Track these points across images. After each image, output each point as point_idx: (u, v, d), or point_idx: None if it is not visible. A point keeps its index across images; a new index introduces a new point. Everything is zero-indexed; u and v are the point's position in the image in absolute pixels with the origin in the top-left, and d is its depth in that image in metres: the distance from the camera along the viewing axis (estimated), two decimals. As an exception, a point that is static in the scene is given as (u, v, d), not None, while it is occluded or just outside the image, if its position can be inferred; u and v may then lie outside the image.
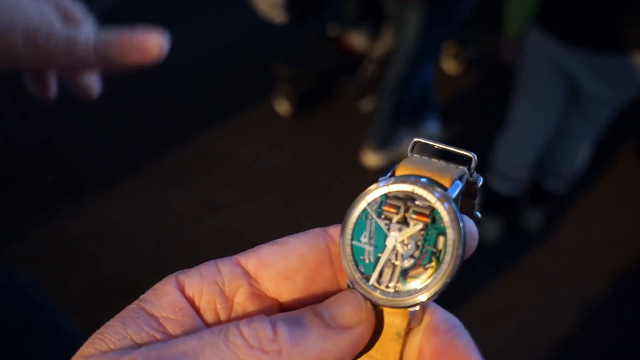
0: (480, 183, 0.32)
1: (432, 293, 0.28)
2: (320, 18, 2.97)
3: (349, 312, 0.27)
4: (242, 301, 0.29)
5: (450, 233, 0.28)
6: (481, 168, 0.31)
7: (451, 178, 0.29)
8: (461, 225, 0.28)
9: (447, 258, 0.28)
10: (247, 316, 0.28)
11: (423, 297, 0.28)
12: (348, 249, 0.29)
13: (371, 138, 2.66)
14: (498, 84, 3.09)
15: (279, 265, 0.29)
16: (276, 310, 0.30)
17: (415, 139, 0.32)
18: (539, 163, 2.28)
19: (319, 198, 2.56)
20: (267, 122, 2.96)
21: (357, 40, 2.95)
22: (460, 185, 0.29)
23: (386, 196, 0.29)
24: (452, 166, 0.30)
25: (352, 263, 0.29)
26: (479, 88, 3.20)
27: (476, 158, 0.30)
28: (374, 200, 0.30)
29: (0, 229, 2.42)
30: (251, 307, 0.29)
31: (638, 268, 2.35)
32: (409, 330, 0.29)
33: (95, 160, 2.75)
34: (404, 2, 2.24)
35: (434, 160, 0.30)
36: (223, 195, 2.59)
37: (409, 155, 0.31)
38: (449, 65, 3.25)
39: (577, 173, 2.29)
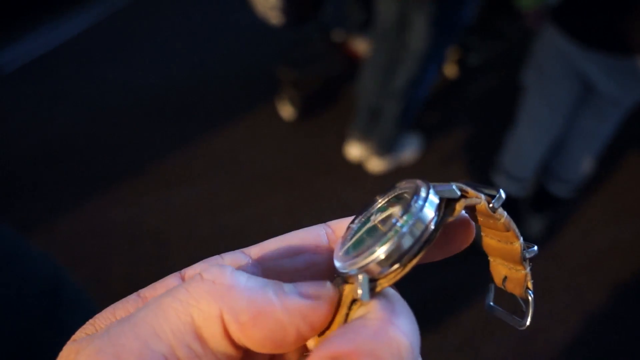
0: (532, 254, 0.31)
1: (364, 264, 0.26)
2: (324, 22, 2.97)
3: (311, 286, 0.27)
4: None
5: (404, 216, 0.27)
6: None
7: (449, 183, 0.29)
8: (419, 219, 0.26)
9: (390, 235, 0.26)
10: None
11: (358, 267, 0.27)
12: (350, 234, 0.31)
13: (376, 143, 2.66)
14: (500, 91, 3.09)
15: (281, 249, 0.30)
16: None
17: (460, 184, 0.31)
18: (546, 166, 2.27)
19: (321, 202, 2.56)
20: (270, 126, 2.96)
21: (362, 45, 2.96)
22: (452, 188, 0.28)
23: (396, 197, 0.31)
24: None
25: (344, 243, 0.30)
26: (481, 94, 3.19)
27: (503, 195, 0.29)
28: (389, 199, 0.31)
29: (3, 229, 2.42)
30: None
31: (640, 277, 2.34)
32: (349, 301, 0.27)
33: (99, 161, 2.76)
34: (411, 4, 2.24)
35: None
36: (225, 198, 2.59)
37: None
38: (451, 71, 3.25)
39: (583, 178, 2.26)
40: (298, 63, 3.02)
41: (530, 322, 0.33)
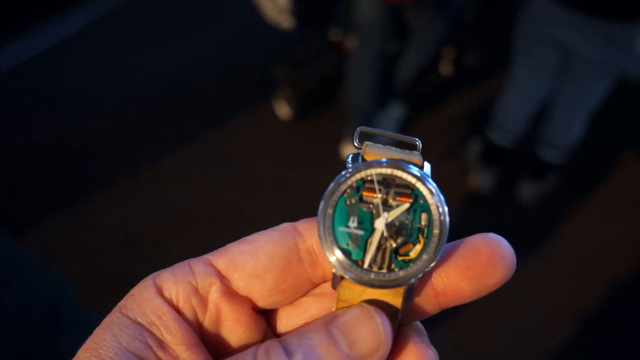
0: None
1: (427, 266, 0.28)
2: (322, 22, 2.97)
3: (367, 337, 0.27)
4: (215, 299, 0.30)
5: (435, 209, 0.28)
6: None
7: (421, 159, 0.30)
8: (443, 200, 0.29)
9: (437, 232, 0.28)
10: (221, 314, 0.29)
11: (418, 272, 0.28)
12: (331, 238, 0.29)
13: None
14: (493, 88, 3.10)
15: (248, 265, 0.30)
16: (249, 307, 0.30)
17: (361, 128, 0.32)
18: (537, 134, 2.39)
19: (318, 201, 2.56)
20: (267, 125, 2.96)
21: (359, 45, 2.95)
22: (430, 166, 0.30)
23: (363, 181, 0.29)
24: (412, 151, 0.30)
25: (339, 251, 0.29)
26: (475, 91, 3.20)
27: (420, 144, 0.31)
28: (351, 186, 0.30)
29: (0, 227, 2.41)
30: (224, 304, 0.30)
31: (635, 275, 2.35)
32: (403, 308, 0.29)
33: (96, 161, 2.75)
34: (407, 7, 2.27)
35: (392, 147, 0.31)
36: (222, 197, 2.59)
37: (355, 144, 0.31)
38: (448, 69, 3.27)
39: (573, 145, 2.37)
40: (295, 62, 3.02)
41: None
